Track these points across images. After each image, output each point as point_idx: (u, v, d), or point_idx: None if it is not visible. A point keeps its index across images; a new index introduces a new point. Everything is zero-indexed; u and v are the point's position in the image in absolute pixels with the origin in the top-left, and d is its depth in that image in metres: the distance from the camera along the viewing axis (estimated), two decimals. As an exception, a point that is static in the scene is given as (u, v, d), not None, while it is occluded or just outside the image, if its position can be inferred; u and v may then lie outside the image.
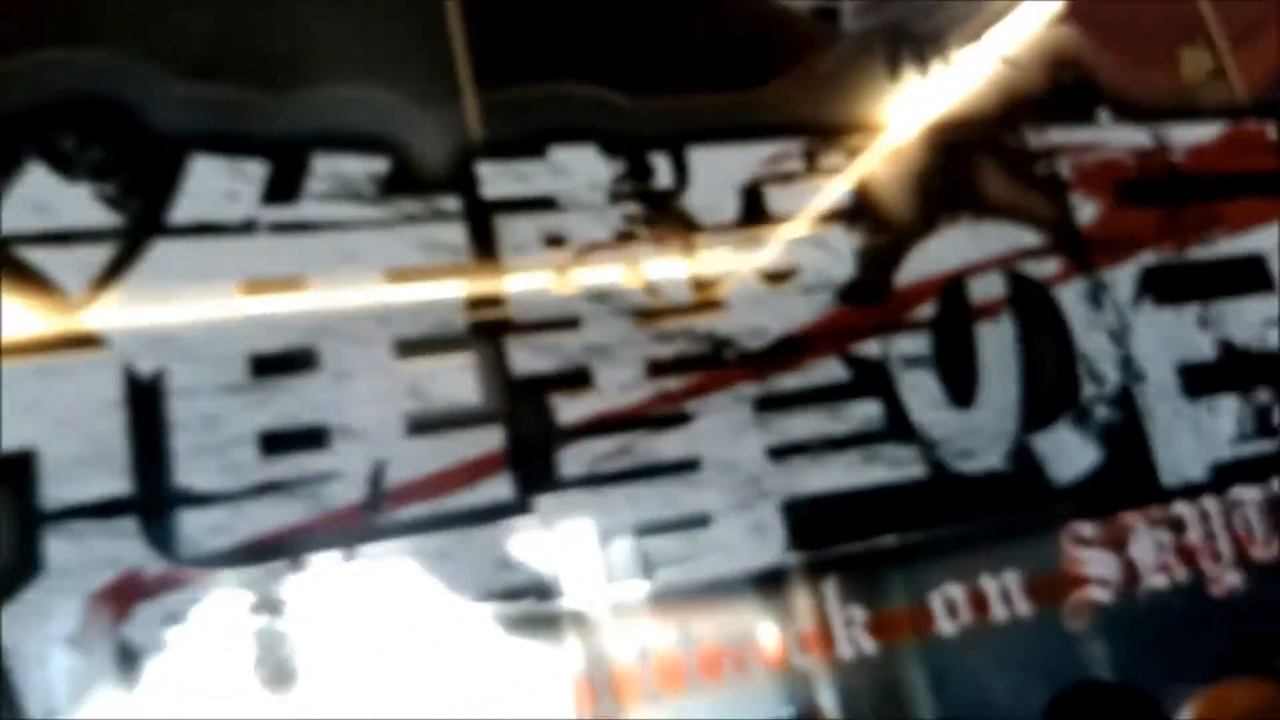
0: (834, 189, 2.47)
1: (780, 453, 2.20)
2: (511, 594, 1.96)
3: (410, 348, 2.05)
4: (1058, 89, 2.81)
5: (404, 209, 2.12)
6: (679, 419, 2.17)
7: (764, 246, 2.36)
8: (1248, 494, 2.52)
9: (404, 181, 2.13)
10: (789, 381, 2.24)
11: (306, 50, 2.15)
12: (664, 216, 2.28)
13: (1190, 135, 2.86)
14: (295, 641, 1.81)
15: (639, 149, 2.31)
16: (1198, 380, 2.60)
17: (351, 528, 1.91)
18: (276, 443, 1.91)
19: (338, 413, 1.96)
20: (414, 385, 2.02)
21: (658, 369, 2.17)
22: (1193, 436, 2.54)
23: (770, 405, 2.22)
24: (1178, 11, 3.06)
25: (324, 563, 1.87)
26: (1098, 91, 2.83)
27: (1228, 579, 2.44)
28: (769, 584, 2.11)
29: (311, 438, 1.94)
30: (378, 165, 2.13)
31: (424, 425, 2.01)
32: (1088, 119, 2.81)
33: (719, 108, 2.47)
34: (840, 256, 2.40)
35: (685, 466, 2.14)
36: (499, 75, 2.28)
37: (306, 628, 1.82)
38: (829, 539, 2.17)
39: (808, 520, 2.15)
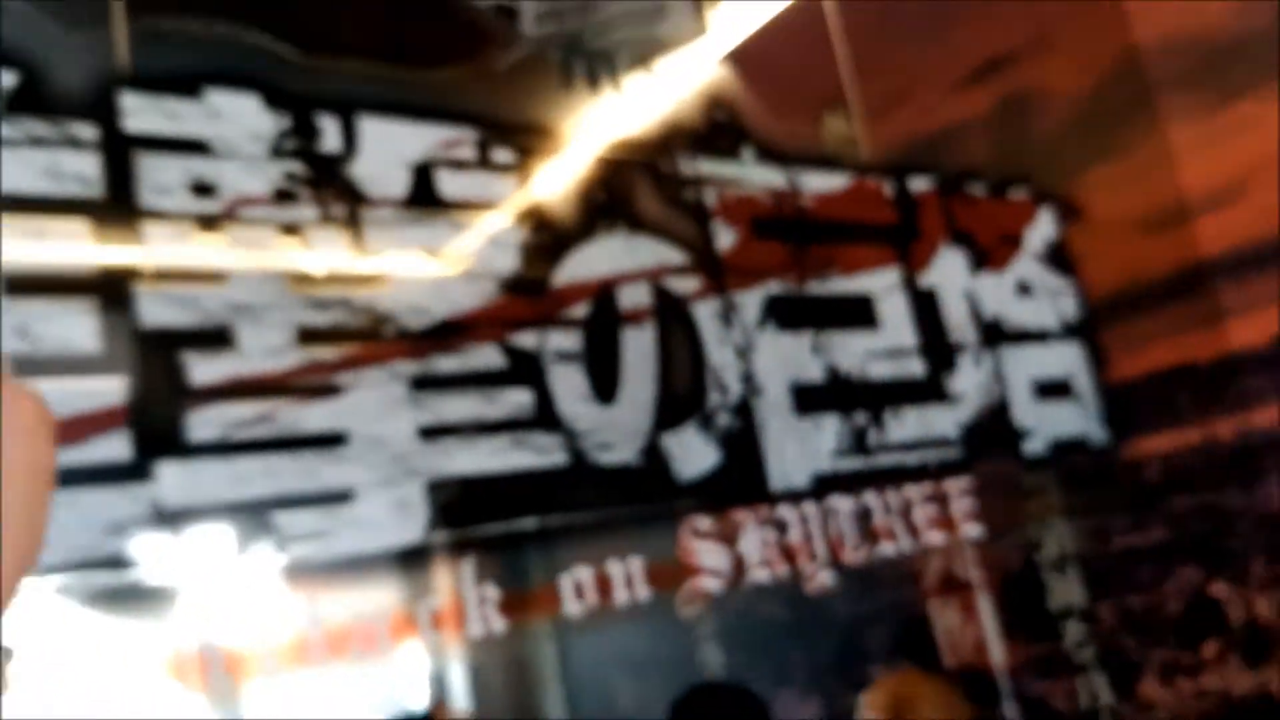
0: (504, 183, 2.50)
1: (431, 432, 2.18)
2: (121, 563, 1.79)
3: (23, 284, 1.82)
4: (711, 124, 3.03)
5: (30, 130, 1.88)
6: (328, 390, 2.09)
7: (431, 228, 2.34)
8: (842, 503, 2.82)
9: (34, 101, 1.90)
10: (446, 363, 2.24)
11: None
12: (329, 181, 2.20)
13: (820, 183, 3.18)
14: None
15: (306, 107, 2.22)
16: (807, 399, 2.88)
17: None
18: None
19: (-78, 348, 1.71)
20: (23, 326, 1.80)
21: (309, 336, 2.09)
22: (798, 448, 2.80)
23: (426, 385, 2.20)
24: (827, 82, 3.42)
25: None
26: (745, 133, 3.08)
27: (821, 577, 2.72)
28: (408, 562, 2.08)
29: (-115, 373, 1.67)
30: (5, 80, 1.88)
31: (31, 371, 1.78)
32: (734, 155, 3.04)
33: (394, 82, 2.43)
34: (505, 249, 2.44)
35: (331, 440, 2.06)
36: (155, 4, 2.09)
37: None
38: (472, 519, 2.18)
39: (452, 500, 2.15)
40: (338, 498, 2.03)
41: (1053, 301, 3.63)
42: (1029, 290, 3.58)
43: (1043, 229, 3.70)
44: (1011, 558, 3.43)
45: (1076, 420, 3.52)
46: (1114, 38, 3.85)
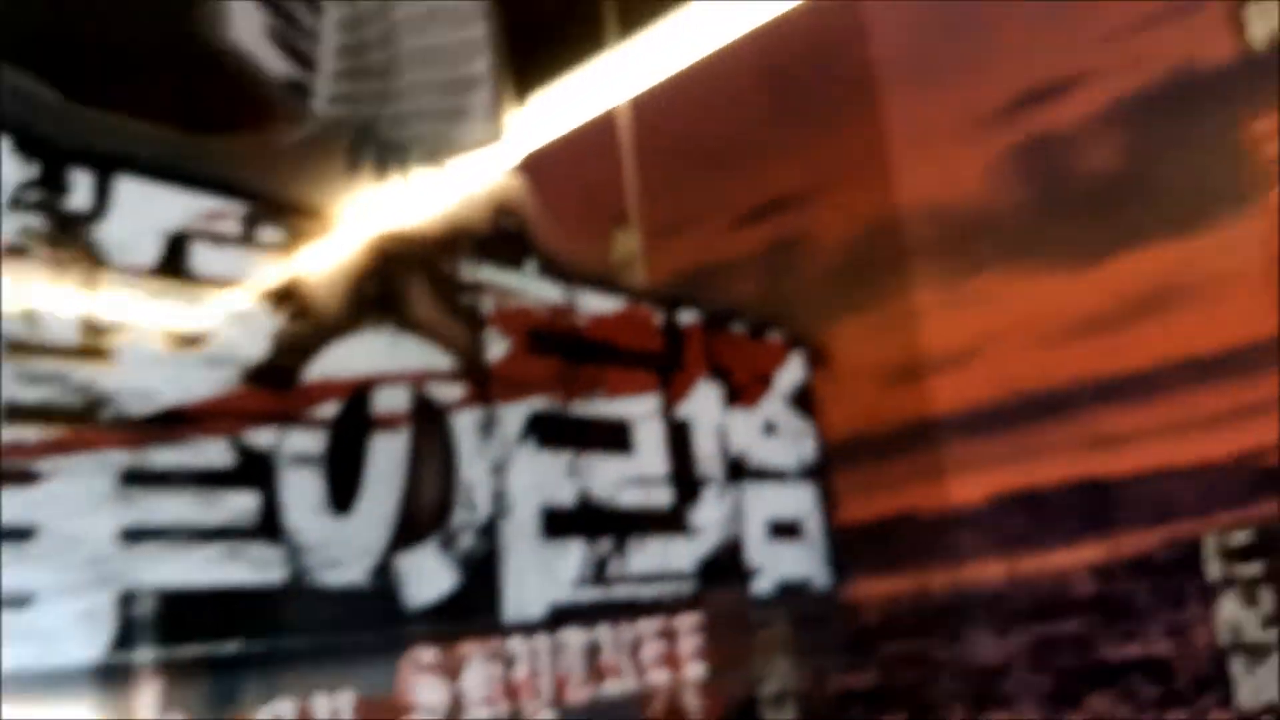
0: (267, 265, 2.36)
1: (135, 535, 1.97)
2: None
3: None
4: (497, 231, 3.01)
5: None
6: (23, 477, 1.86)
7: (176, 304, 2.16)
8: (574, 637, 2.78)
9: None
10: (166, 457, 2.05)
11: None
12: (70, 242, 2.00)
13: (596, 304, 3.20)
14: None
15: (60, 158, 2.02)
16: (555, 523, 2.85)
17: None
18: None
19: None
20: None
21: (13, 414, 1.86)
22: (540, 576, 2.75)
23: (137, 480, 2.00)
24: (616, 202, 3.48)
25: None
26: (530, 243, 3.07)
27: (541, 716, 2.65)
28: (85, 683, 1.85)
29: None
30: None
31: None
32: (517, 265, 3.02)
33: (165, 143, 2.26)
34: (256, 335, 2.28)
35: (17, 534, 1.82)
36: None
37: None
38: (168, 638, 1.97)
39: (147, 615, 1.95)
40: (14, 602, 1.80)
41: (794, 443, 3.80)
42: (774, 430, 3.73)
43: (793, 372, 3.88)
44: (735, 693, 3.49)
45: (804, 561, 3.67)
46: (879, 198, 4.13)
